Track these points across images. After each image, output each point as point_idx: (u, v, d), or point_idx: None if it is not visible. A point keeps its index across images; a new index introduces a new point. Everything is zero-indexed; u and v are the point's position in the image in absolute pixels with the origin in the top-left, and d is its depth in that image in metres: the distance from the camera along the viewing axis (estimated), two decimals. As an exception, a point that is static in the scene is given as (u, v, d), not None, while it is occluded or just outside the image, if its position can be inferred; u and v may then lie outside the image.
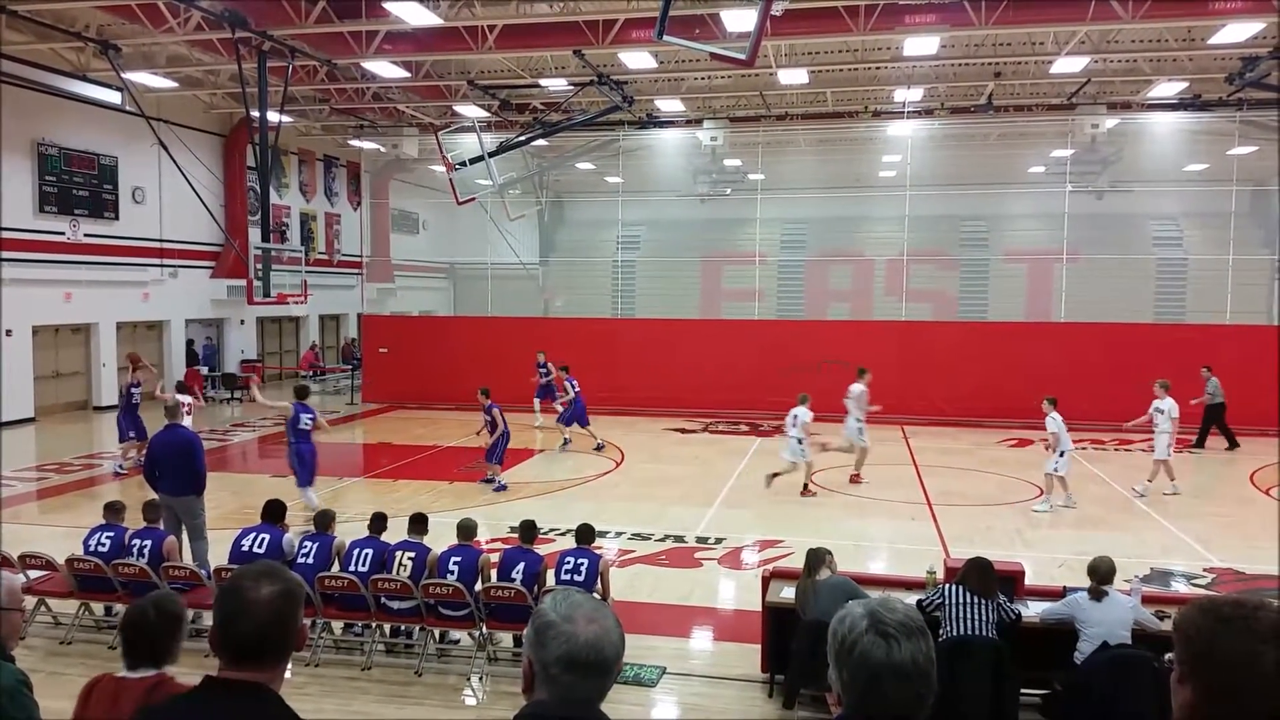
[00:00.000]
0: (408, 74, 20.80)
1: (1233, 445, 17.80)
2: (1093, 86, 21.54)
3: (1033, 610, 6.84)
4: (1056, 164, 25.18)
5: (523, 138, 23.81)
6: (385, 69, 20.17)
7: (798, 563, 7.32)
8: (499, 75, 21.89)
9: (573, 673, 1.82)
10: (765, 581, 7.67)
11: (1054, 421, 13.04)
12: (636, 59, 19.34)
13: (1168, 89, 21.27)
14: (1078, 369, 19.88)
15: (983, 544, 11.22)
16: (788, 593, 7.21)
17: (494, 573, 7.78)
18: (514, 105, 23.83)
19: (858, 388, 14.98)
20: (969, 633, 6.16)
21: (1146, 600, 6.81)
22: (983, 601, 6.27)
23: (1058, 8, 16.34)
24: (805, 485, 14.03)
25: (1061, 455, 13.04)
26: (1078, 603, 6.48)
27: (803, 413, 13.75)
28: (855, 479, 14.94)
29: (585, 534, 8.10)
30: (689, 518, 12.73)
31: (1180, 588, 9.87)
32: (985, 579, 6.38)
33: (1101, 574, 6.51)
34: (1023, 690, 6.39)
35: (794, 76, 20.62)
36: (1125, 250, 25.61)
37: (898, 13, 16.70)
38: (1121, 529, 12.43)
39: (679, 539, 11.73)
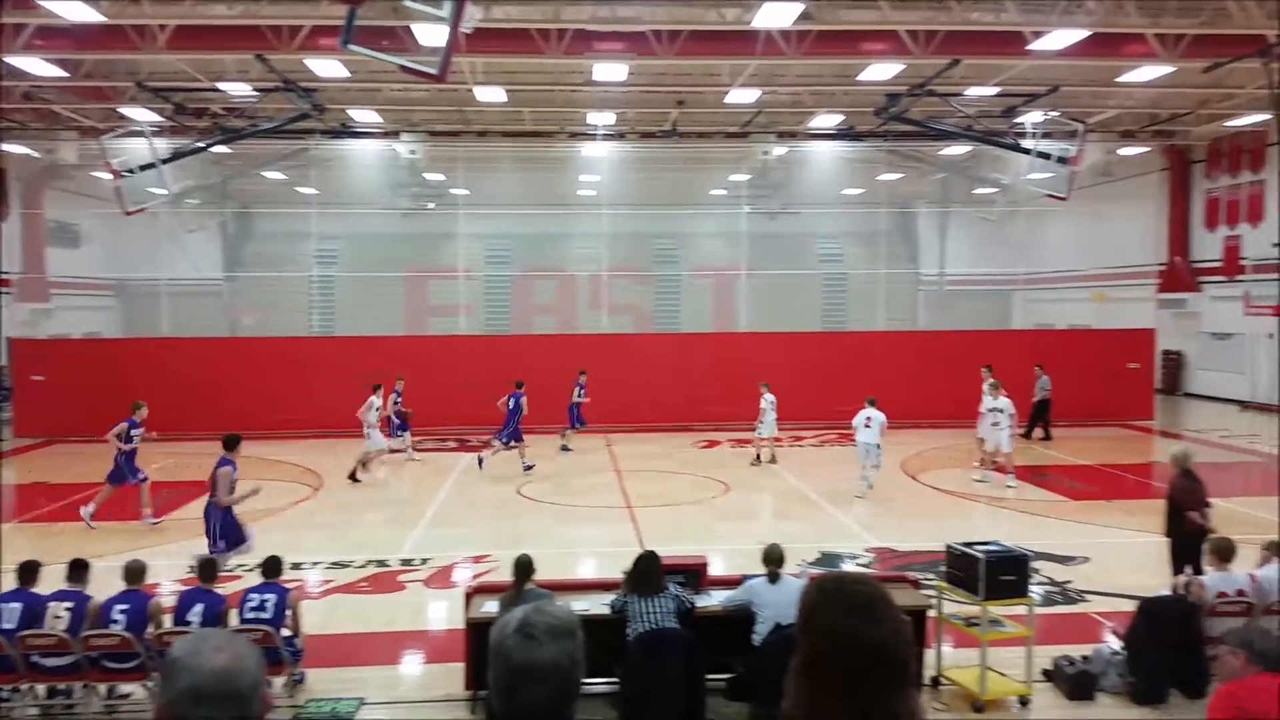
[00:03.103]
0: (65, 73, 18.64)
1: (1048, 437, 20.15)
2: (764, 117, 23.53)
3: (715, 599, 7.35)
4: (735, 187, 27.35)
5: (201, 144, 22.05)
6: (38, 66, 17.92)
7: (504, 576, 7.35)
8: (173, 77, 20.14)
9: (204, 705, 1.74)
10: (468, 598, 7.65)
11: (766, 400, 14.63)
12: (326, 67, 18.60)
13: (827, 120, 23.73)
14: (759, 374, 21.52)
15: (678, 540, 11.87)
16: (490, 607, 7.23)
17: (168, 618, 7.15)
18: (190, 109, 22.04)
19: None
20: (654, 626, 6.51)
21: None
22: (657, 595, 6.67)
23: (731, 42, 17.71)
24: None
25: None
26: (753, 588, 7.05)
27: (876, 414, 14.52)
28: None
29: (272, 567, 7.67)
30: (393, 540, 12.40)
31: (847, 568, 11.00)
32: (641, 578, 6.80)
33: (775, 559, 7.13)
34: (709, 675, 6.83)
35: (492, 94, 20.76)
36: (796, 266, 28.24)
37: (588, 38, 17.36)
38: (796, 518, 13.67)
39: (382, 563, 11.38)
